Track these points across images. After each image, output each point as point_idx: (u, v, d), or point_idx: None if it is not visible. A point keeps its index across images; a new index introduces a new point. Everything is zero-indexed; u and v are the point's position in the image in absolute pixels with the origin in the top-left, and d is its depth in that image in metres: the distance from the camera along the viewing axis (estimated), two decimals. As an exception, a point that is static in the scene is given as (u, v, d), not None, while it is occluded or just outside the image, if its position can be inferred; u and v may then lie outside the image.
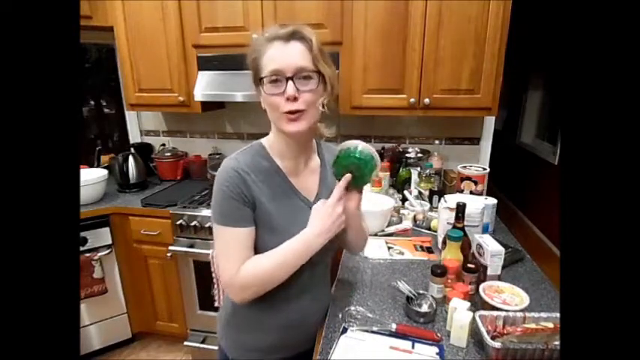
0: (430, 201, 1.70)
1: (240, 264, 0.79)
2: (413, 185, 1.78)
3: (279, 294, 0.85)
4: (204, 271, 1.77)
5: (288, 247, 0.80)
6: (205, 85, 1.81)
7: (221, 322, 0.98)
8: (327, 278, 1.02)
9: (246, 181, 0.80)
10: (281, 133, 0.82)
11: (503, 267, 1.03)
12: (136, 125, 2.42)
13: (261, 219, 0.82)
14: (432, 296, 0.98)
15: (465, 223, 1.09)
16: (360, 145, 0.82)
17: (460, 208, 1.08)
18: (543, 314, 0.83)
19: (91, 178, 1.86)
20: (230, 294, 0.83)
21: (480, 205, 1.25)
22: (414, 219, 1.56)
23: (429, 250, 1.34)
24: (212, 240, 1.56)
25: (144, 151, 2.30)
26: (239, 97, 1.76)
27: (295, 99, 0.75)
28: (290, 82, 0.74)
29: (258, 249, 0.83)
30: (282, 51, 0.75)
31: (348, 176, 0.81)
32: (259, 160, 0.84)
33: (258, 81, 0.79)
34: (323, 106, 0.79)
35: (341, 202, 0.81)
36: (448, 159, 2.01)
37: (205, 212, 1.76)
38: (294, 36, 0.76)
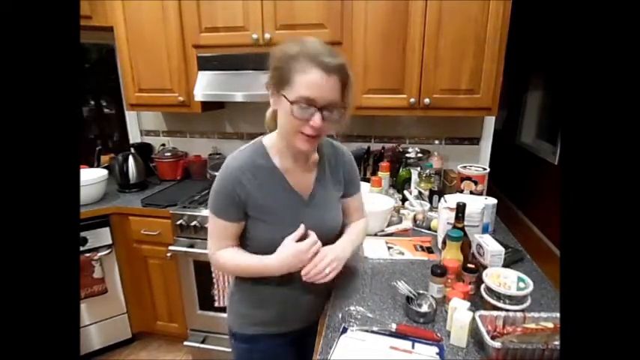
0: (430, 201, 1.69)
1: (219, 248, 0.93)
2: (413, 185, 1.78)
3: (281, 275, 0.91)
4: (204, 271, 1.77)
5: (251, 263, 0.91)
6: (205, 85, 1.81)
7: (228, 299, 1.06)
8: None
9: (241, 181, 0.86)
10: (286, 139, 0.86)
11: (504, 267, 1.03)
12: (136, 125, 2.42)
13: (256, 213, 0.89)
14: (432, 296, 0.98)
15: (465, 223, 1.09)
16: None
17: (460, 208, 1.08)
18: (543, 314, 0.83)
19: (91, 178, 1.86)
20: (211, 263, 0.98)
21: (480, 205, 1.25)
22: (414, 219, 1.56)
23: (429, 250, 1.34)
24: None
25: (144, 151, 2.30)
26: (239, 97, 1.76)
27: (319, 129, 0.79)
28: (318, 114, 0.77)
29: (257, 238, 0.91)
30: (321, 82, 0.76)
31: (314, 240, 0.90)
32: (257, 158, 0.89)
33: (279, 90, 0.80)
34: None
35: (311, 251, 0.87)
36: (448, 159, 2.01)
37: (205, 212, 1.76)
38: (338, 70, 0.78)
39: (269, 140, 0.91)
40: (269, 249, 0.89)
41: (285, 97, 0.78)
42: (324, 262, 0.88)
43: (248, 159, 0.88)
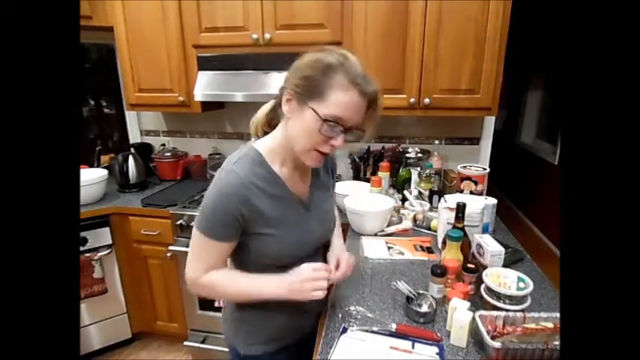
0: (430, 201, 1.69)
1: (205, 271, 0.84)
2: (413, 185, 1.78)
3: None
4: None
5: (250, 283, 0.85)
6: (205, 85, 1.81)
7: (227, 323, 1.00)
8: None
9: (247, 198, 0.79)
10: (290, 145, 0.82)
11: (504, 267, 1.03)
12: (136, 125, 2.42)
13: (262, 227, 0.82)
14: (432, 296, 0.98)
15: (465, 223, 1.09)
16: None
17: (460, 208, 1.08)
18: (543, 314, 0.83)
19: (91, 178, 1.86)
20: (188, 286, 0.88)
21: (480, 205, 1.25)
22: (414, 219, 1.56)
23: (429, 250, 1.34)
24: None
25: (144, 151, 2.30)
26: (239, 97, 1.76)
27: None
28: (343, 135, 0.76)
29: (262, 252, 0.85)
30: (355, 104, 0.74)
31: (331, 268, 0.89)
32: (256, 168, 0.82)
33: (305, 101, 0.75)
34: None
35: (315, 284, 0.81)
36: (448, 159, 2.01)
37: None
38: (371, 97, 0.76)
39: (264, 146, 0.85)
40: (275, 261, 0.85)
41: (314, 110, 0.73)
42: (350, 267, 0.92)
43: (249, 172, 0.80)
